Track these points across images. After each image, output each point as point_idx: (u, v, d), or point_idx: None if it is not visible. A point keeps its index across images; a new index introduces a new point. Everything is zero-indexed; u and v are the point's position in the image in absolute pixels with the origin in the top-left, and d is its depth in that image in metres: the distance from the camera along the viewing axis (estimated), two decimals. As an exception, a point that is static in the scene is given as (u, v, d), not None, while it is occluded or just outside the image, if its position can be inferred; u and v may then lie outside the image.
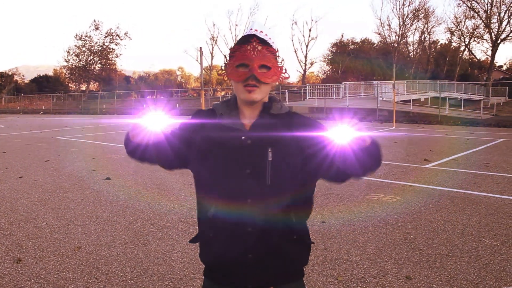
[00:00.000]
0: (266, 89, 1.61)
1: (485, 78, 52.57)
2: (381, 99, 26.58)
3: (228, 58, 1.63)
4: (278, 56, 1.63)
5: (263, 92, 1.60)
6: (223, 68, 1.64)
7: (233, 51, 1.60)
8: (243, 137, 1.59)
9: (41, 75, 78.02)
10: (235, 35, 61.32)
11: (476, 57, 58.18)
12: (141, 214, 5.60)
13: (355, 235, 4.74)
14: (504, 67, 74.63)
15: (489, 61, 51.25)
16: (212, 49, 61.29)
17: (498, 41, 47.53)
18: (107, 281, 3.68)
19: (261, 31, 1.60)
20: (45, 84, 69.19)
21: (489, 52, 49.21)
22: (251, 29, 1.61)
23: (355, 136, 1.40)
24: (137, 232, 4.92)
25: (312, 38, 61.39)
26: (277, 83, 1.67)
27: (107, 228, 5.05)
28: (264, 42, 1.57)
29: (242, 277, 1.62)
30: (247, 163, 1.58)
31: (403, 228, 4.94)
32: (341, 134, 1.41)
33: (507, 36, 47.15)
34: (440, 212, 5.57)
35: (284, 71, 1.64)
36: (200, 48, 11.07)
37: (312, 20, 69.45)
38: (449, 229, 4.92)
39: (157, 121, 1.47)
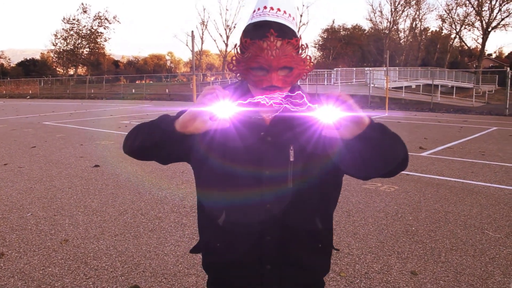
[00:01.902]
0: (287, 89, 1.37)
1: (475, 66, 52.63)
2: (372, 85, 26.39)
3: (239, 50, 1.35)
4: (301, 46, 1.35)
5: (284, 92, 1.35)
6: (234, 63, 1.36)
7: (246, 45, 1.31)
8: (262, 133, 1.36)
9: (28, 59, 76.69)
10: (225, 20, 60.68)
11: (466, 45, 58.11)
12: (131, 204, 5.37)
13: (355, 227, 4.56)
14: (494, 55, 74.85)
15: (479, 49, 51.26)
16: (202, 34, 60.31)
17: (489, 29, 47.47)
18: (96, 277, 3.47)
19: (278, 9, 1.32)
20: (32, 68, 67.95)
21: (480, 40, 49.16)
22: (265, 7, 1.33)
23: (342, 116, 1.10)
24: (127, 223, 4.70)
25: (303, 24, 60.81)
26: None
27: (96, 219, 4.82)
28: (283, 33, 1.29)
29: None
30: (266, 163, 1.35)
31: (404, 220, 4.78)
32: (326, 113, 1.11)
33: (498, 24, 47.10)
34: (440, 203, 5.42)
35: (308, 61, 1.37)
36: (192, 32, 10.76)
37: (303, 5, 68.91)
38: (451, 220, 4.77)
39: (225, 108, 1.17)
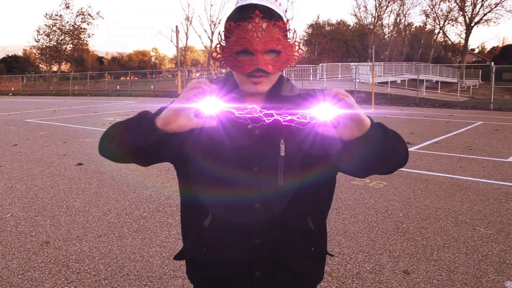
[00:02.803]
0: (275, 77, 1.27)
1: (458, 61, 53.08)
2: (358, 80, 26.41)
3: (223, 36, 1.25)
4: (289, 30, 1.24)
5: (272, 80, 1.26)
6: (218, 50, 1.25)
7: (230, 29, 1.21)
8: (249, 126, 1.25)
9: (10, 55, 75.42)
10: (210, 15, 60.26)
11: (450, 40, 58.58)
12: (115, 203, 5.22)
13: (345, 224, 4.47)
14: (477, 50, 75.62)
15: (462, 44, 51.67)
16: (187, 30, 59.87)
17: (472, 24, 47.85)
18: (78, 281, 3.32)
19: None
20: (14, 65, 66.82)
21: (463, 35, 49.53)
22: None
23: (339, 113, 1.02)
24: (111, 223, 4.55)
25: (288, 19, 60.74)
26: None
27: (79, 220, 4.66)
28: (269, 15, 1.19)
29: None
30: (254, 159, 1.24)
31: (394, 217, 4.70)
32: (323, 111, 1.03)
33: (481, 19, 47.49)
34: (430, 199, 5.36)
35: (297, 47, 1.26)
36: (176, 26, 10.58)
37: (288, 0, 68.79)
38: (442, 217, 4.70)
39: (212, 105, 1.06)
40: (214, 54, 1.25)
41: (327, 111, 1.03)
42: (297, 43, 1.26)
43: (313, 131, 1.11)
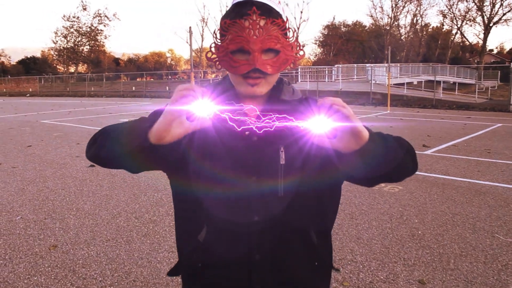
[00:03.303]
0: (273, 79, 1.18)
1: (476, 62, 52.34)
2: (374, 82, 26.13)
3: (218, 35, 1.16)
4: (289, 29, 1.15)
5: (270, 82, 1.16)
6: (213, 50, 1.17)
7: (225, 27, 1.12)
8: (247, 133, 1.16)
9: (29, 56, 76.45)
10: (225, 17, 60.11)
11: (468, 41, 57.79)
12: (125, 206, 5.17)
13: (358, 230, 4.35)
14: (495, 51, 74.50)
15: (480, 45, 50.96)
16: (203, 31, 59.96)
17: (491, 24, 47.13)
18: (84, 287, 3.26)
19: None
20: (32, 66, 67.78)
21: (481, 36, 48.83)
22: None
23: (335, 126, 0.95)
24: (120, 227, 4.49)
25: (304, 20, 60.64)
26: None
27: (88, 223, 4.61)
28: (267, 12, 1.11)
29: None
30: (252, 168, 1.15)
31: (409, 223, 4.56)
32: (318, 123, 0.96)
33: (500, 19, 46.76)
34: (447, 204, 5.20)
35: (297, 48, 1.17)
36: (190, 28, 10.56)
37: (303, 1, 68.55)
38: (459, 223, 4.55)
39: (204, 107, 0.98)
40: (209, 55, 1.16)
41: (322, 124, 0.95)
42: (297, 44, 1.17)
43: (310, 144, 1.04)
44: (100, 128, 1.20)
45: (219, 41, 1.16)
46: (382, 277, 3.39)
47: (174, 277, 3.33)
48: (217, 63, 1.16)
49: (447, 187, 5.97)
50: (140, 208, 5.09)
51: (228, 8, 1.18)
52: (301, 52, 1.19)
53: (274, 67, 1.12)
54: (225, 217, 1.18)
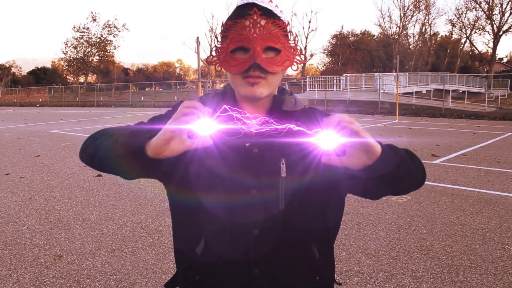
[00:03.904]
0: (275, 81, 1.15)
1: (485, 71, 52.04)
2: (382, 91, 26.06)
3: (220, 38, 1.16)
4: (290, 32, 1.15)
5: (271, 84, 1.14)
6: (213, 53, 1.16)
7: (226, 28, 1.13)
8: (247, 144, 1.14)
9: (39, 67, 77.25)
10: (234, 27, 60.39)
11: (477, 49, 57.48)
12: (131, 216, 5.15)
13: (366, 241, 4.30)
14: (505, 59, 74.13)
15: (489, 53, 50.72)
16: (211, 41, 60.32)
17: (500, 33, 46.90)
18: (88, 298, 3.24)
19: None
20: (42, 76, 68.40)
21: (491, 44, 48.58)
22: None
23: (346, 142, 0.93)
24: (125, 237, 4.47)
25: (312, 30, 60.56)
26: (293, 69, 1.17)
27: (93, 233, 4.60)
28: (268, 13, 1.11)
29: None
30: (252, 181, 1.13)
31: (418, 233, 4.50)
32: (326, 139, 0.94)
33: (509, 27, 46.54)
34: (456, 214, 5.13)
35: (299, 52, 1.16)
36: (197, 38, 10.59)
37: (311, 11, 68.81)
38: (468, 234, 4.48)
39: (206, 126, 0.98)
40: (210, 58, 1.15)
41: (330, 140, 0.93)
42: (299, 48, 1.17)
43: (316, 158, 1.01)
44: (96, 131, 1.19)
45: (219, 44, 1.16)
46: (389, 289, 3.33)
47: None
48: (217, 65, 1.15)
49: (456, 197, 5.90)
50: (146, 218, 5.07)
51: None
52: (302, 57, 1.17)
53: (274, 65, 1.10)
54: (224, 230, 1.16)
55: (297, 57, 1.16)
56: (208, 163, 1.12)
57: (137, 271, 3.68)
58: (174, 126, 0.96)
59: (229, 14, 1.17)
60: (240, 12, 1.11)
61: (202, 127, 0.97)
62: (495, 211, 5.25)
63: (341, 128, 0.91)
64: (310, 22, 68.06)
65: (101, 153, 1.09)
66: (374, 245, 4.21)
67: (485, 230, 4.59)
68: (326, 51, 67.52)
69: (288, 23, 1.15)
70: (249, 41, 1.08)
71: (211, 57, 1.16)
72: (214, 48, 1.17)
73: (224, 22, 1.15)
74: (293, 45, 1.16)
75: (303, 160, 1.10)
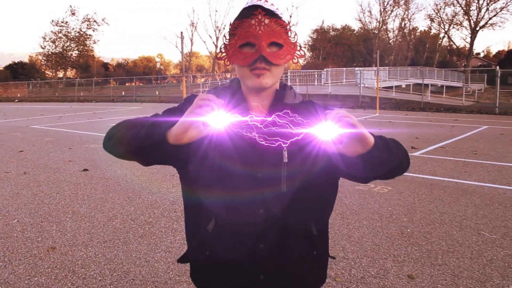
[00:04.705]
0: (278, 73, 1.30)
1: (463, 65, 53.00)
2: (363, 85, 26.40)
3: (228, 37, 1.31)
4: (290, 30, 1.31)
5: (274, 76, 1.29)
6: (222, 50, 1.31)
7: (234, 27, 1.28)
8: (254, 135, 1.28)
9: (16, 62, 75.88)
10: (215, 21, 60.47)
11: (455, 44, 58.42)
12: (120, 209, 5.25)
13: (350, 229, 4.48)
14: (482, 54, 75.47)
15: (467, 48, 51.58)
16: (192, 36, 60.10)
17: (477, 28, 47.78)
18: (84, 286, 3.35)
19: (266, 0, 1.29)
20: (20, 71, 67.17)
21: (468, 39, 49.47)
22: None
23: (341, 133, 1.06)
24: (116, 229, 4.57)
25: (293, 24, 60.86)
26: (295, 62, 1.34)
27: (84, 225, 4.69)
28: (271, 14, 1.26)
29: None
30: (258, 166, 1.27)
31: (399, 221, 4.71)
32: (324, 130, 1.07)
33: (486, 23, 47.42)
34: (435, 203, 5.36)
35: (298, 47, 1.32)
36: (181, 33, 10.66)
37: (292, 6, 68.93)
38: (446, 221, 4.70)
39: (220, 119, 1.11)
40: (219, 55, 1.30)
41: (329, 130, 1.06)
42: (298, 44, 1.33)
43: (315, 146, 1.17)
44: (102, 134, 1.32)
45: (226, 40, 1.31)
46: (373, 273, 3.52)
47: (172, 275, 3.45)
48: (226, 60, 1.30)
49: (435, 187, 6.13)
50: (136, 211, 5.17)
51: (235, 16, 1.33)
52: (302, 52, 1.33)
53: (278, 58, 1.26)
54: (233, 210, 1.29)
55: (297, 52, 1.32)
56: (220, 150, 1.26)
57: (130, 260, 3.80)
58: (191, 118, 1.09)
59: (236, 16, 1.31)
60: (246, 13, 1.27)
61: (216, 119, 1.10)
62: (472, 200, 5.49)
63: (339, 121, 1.05)
64: (291, 16, 68.19)
65: (125, 142, 1.22)
66: (357, 233, 4.39)
67: (462, 218, 4.81)
68: (307, 46, 67.88)
69: (289, 22, 1.30)
70: (255, 37, 1.24)
71: (220, 53, 1.30)
72: (222, 46, 1.31)
73: (231, 22, 1.29)
74: (294, 41, 1.31)
75: (304, 148, 1.25)
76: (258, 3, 1.27)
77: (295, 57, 1.31)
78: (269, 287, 1.32)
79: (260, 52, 1.23)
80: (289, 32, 1.31)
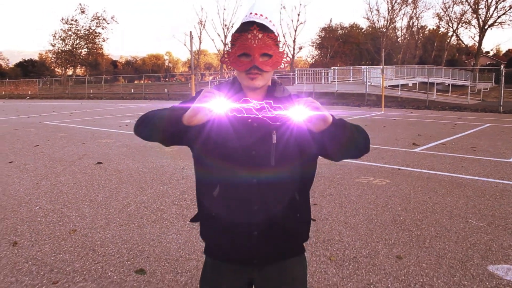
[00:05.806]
0: (268, 75, 1.67)
1: (472, 64, 53.00)
2: (369, 84, 26.68)
3: (230, 46, 1.68)
4: (279, 41, 1.67)
5: (265, 78, 1.66)
6: (225, 55, 1.68)
7: (234, 39, 1.64)
8: (249, 120, 1.65)
9: (26, 59, 76.78)
10: (223, 19, 60.82)
11: (463, 43, 58.55)
12: (134, 198, 5.64)
13: (346, 217, 4.84)
14: (491, 53, 75.18)
15: (476, 47, 51.59)
16: (200, 34, 60.63)
17: (486, 27, 47.84)
18: (104, 262, 3.73)
19: (261, 15, 1.64)
20: (30, 69, 68.09)
21: (477, 38, 49.54)
22: (251, 13, 1.64)
23: (310, 115, 1.42)
24: (131, 215, 4.96)
25: (301, 23, 61.23)
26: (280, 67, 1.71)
27: (101, 211, 5.09)
28: (264, 29, 1.61)
29: (246, 254, 1.69)
30: (253, 145, 1.64)
31: (393, 210, 5.05)
32: (297, 113, 1.43)
33: (494, 22, 47.45)
34: (429, 195, 5.70)
35: (285, 55, 1.68)
36: (190, 32, 11.04)
37: (300, 4, 69.12)
38: (438, 211, 5.04)
39: (221, 105, 1.46)
40: (223, 59, 1.68)
41: (301, 113, 1.43)
42: (286, 52, 1.69)
43: (292, 126, 1.54)
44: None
45: (229, 48, 1.68)
46: (364, 253, 3.87)
47: (183, 253, 3.83)
48: (228, 64, 1.67)
49: (431, 181, 6.47)
50: (148, 199, 5.56)
51: (238, 26, 1.70)
52: (288, 58, 1.70)
53: (267, 66, 1.63)
54: (233, 180, 1.66)
55: (284, 59, 1.68)
56: (222, 131, 1.63)
57: (144, 241, 4.19)
58: (199, 105, 1.47)
59: (237, 28, 1.68)
60: (244, 28, 1.63)
61: (218, 105, 1.47)
62: (464, 192, 5.82)
63: (308, 105, 1.43)
64: (299, 15, 68.30)
65: (152, 125, 1.60)
66: (353, 219, 4.75)
67: (452, 208, 5.15)
68: (314, 44, 68.12)
69: (278, 35, 1.66)
70: (250, 49, 1.60)
71: (224, 58, 1.67)
72: (225, 52, 1.68)
73: (233, 34, 1.66)
74: (282, 50, 1.67)
75: (287, 131, 1.62)
76: (254, 18, 1.63)
77: (282, 64, 1.68)
78: (261, 241, 1.69)
79: (254, 62, 1.60)
80: (278, 44, 1.66)
